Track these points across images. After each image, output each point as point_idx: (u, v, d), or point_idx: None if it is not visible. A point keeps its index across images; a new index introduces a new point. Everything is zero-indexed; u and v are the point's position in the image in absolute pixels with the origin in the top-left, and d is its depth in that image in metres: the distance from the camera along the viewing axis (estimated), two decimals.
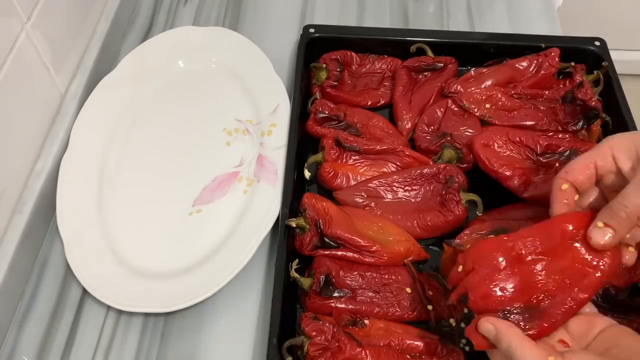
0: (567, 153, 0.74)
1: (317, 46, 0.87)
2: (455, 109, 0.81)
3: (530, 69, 0.83)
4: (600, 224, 0.51)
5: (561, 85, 0.83)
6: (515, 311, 0.52)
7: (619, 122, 0.78)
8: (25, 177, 0.74)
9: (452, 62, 0.85)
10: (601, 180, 0.55)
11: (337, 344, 0.60)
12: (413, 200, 0.74)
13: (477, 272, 0.54)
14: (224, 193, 0.77)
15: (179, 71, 0.90)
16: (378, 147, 0.76)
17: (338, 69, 0.85)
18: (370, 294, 0.67)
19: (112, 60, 0.93)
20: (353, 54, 0.87)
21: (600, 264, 0.52)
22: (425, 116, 0.81)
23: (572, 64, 0.83)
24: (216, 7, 1.01)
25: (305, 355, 0.61)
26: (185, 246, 0.73)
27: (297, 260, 0.67)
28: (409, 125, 0.82)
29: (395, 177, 0.75)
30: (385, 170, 0.76)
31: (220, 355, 0.67)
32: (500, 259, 0.54)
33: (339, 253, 0.68)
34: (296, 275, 0.66)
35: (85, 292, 0.71)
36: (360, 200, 0.74)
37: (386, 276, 0.68)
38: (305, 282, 0.66)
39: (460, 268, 0.55)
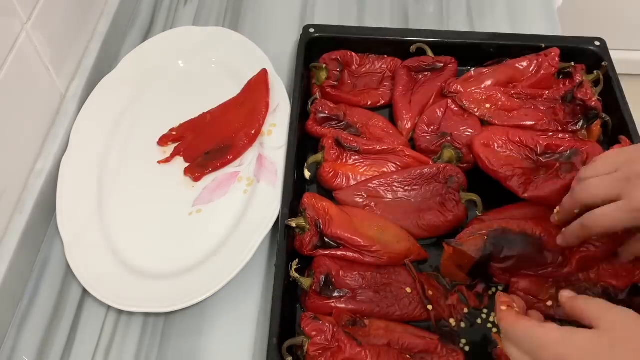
0: (567, 153, 0.74)
1: (317, 46, 0.87)
2: (455, 109, 0.81)
3: (530, 69, 0.83)
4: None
5: (561, 85, 0.83)
6: None
7: (619, 122, 0.78)
8: (25, 177, 0.74)
9: (452, 62, 0.85)
10: None
11: (337, 344, 0.60)
12: (413, 200, 0.74)
13: None
14: (224, 193, 0.77)
15: (179, 71, 0.90)
16: (378, 147, 0.76)
17: (338, 69, 0.85)
18: (370, 294, 0.67)
19: (112, 60, 0.93)
20: (353, 54, 0.87)
21: None
22: (425, 116, 0.81)
23: (572, 64, 0.83)
24: (216, 7, 1.01)
25: (305, 355, 0.61)
26: (185, 246, 0.73)
27: (297, 260, 0.67)
28: (409, 125, 0.82)
29: (395, 177, 0.75)
30: (385, 170, 0.76)
31: (220, 355, 0.67)
32: None
33: (339, 253, 0.68)
34: (296, 275, 0.66)
35: (85, 292, 0.71)
36: (360, 200, 0.74)
37: (386, 276, 0.68)
38: (305, 282, 0.66)
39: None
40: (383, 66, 0.88)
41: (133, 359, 0.67)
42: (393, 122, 0.83)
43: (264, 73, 0.84)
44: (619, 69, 0.83)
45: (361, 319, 0.64)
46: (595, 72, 0.82)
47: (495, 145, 0.76)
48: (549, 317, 0.62)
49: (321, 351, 0.60)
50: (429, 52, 0.86)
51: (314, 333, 0.60)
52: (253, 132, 0.80)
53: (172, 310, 0.67)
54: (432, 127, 0.80)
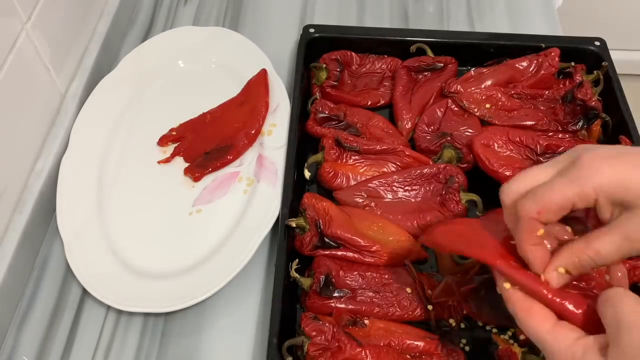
0: None
1: (317, 46, 0.87)
2: (455, 109, 0.81)
3: (530, 69, 0.83)
4: (561, 270, 0.46)
5: (561, 85, 0.83)
6: None
7: (618, 122, 0.78)
8: (25, 177, 0.74)
9: (452, 62, 0.85)
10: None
11: (337, 344, 0.60)
12: (413, 200, 0.74)
13: None
14: (224, 193, 0.77)
15: (179, 71, 0.90)
16: (378, 147, 0.76)
17: (338, 69, 0.85)
18: (370, 294, 0.67)
19: (112, 60, 0.93)
20: (353, 54, 0.87)
21: None
22: (425, 116, 0.81)
23: (572, 64, 0.83)
24: (216, 7, 1.01)
25: (305, 355, 0.61)
26: (185, 246, 0.73)
27: (297, 260, 0.67)
28: (409, 125, 0.82)
29: (395, 177, 0.75)
30: (385, 170, 0.76)
31: (220, 355, 0.67)
32: None
33: (339, 253, 0.68)
34: (296, 275, 0.66)
35: (85, 292, 0.71)
36: (360, 200, 0.74)
37: (386, 276, 0.68)
38: (305, 282, 0.66)
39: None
40: (383, 66, 0.88)
41: (133, 359, 0.67)
42: (393, 122, 0.83)
43: (263, 73, 0.84)
44: (619, 69, 0.83)
45: (361, 319, 0.64)
46: (595, 72, 0.82)
47: (495, 145, 0.76)
48: None
49: (321, 351, 0.60)
50: (429, 52, 0.86)
51: (314, 333, 0.60)
52: (253, 132, 0.80)
53: (172, 310, 0.67)
54: (432, 127, 0.80)
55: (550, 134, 0.77)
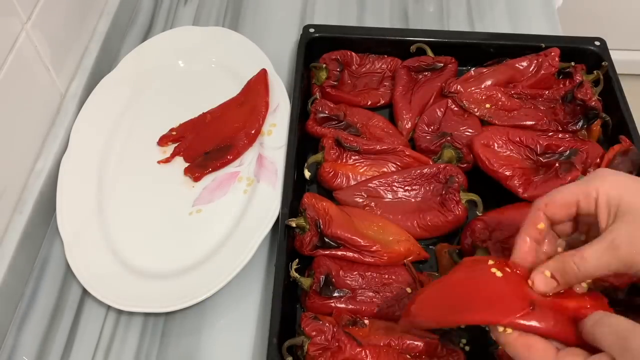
0: (567, 153, 0.74)
1: (317, 46, 0.87)
2: (455, 109, 0.81)
3: (530, 69, 0.83)
4: (547, 273, 0.48)
5: (561, 85, 0.83)
6: None
7: (619, 122, 0.78)
8: (25, 177, 0.74)
9: (452, 62, 0.85)
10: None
11: (337, 344, 0.60)
12: (413, 200, 0.74)
13: None
14: (224, 193, 0.77)
15: (179, 71, 0.90)
16: (378, 147, 0.76)
17: (338, 69, 0.85)
18: (370, 294, 0.67)
19: (112, 60, 0.93)
20: (353, 53, 0.87)
21: None
22: (425, 116, 0.81)
23: (572, 64, 0.83)
24: (216, 7, 1.01)
25: (305, 355, 0.61)
26: (185, 246, 0.73)
27: (297, 260, 0.67)
28: (409, 125, 0.82)
29: (395, 177, 0.75)
30: (385, 170, 0.76)
31: (220, 355, 0.67)
32: None
33: (339, 253, 0.68)
34: (296, 275, 0.66)
35: (85, 292, 0.71)
36: (360, 200, 0.74)
37: (386, 276, 0.68)
38: (305, 282, 0.66)
39: None
40: (383, 66, 0.88)
41: (133, 359, 0.67)
42: (393, 122, 0.83)
43: (263, 73, 0.84)
44: (619, 69, 0.83)
45: (361, 319, 0.64)
46: (595, 72, 0.82)
47: (495, 145, 0.76)
48: None
49: (321, 351, 0.60)
50: (429, 52, 0.86)
51: (314, 333, 0.60)
52: (253, 132, 0.80)
53: (172, 310, 0.67)
54: (432, 127, 0.80)
55: (550, 134, 0.77)
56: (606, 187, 0.48)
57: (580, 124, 0.77)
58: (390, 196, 0.74)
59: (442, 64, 0.85)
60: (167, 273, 0.71)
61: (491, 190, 0.74)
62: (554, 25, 0.97)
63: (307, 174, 0.76)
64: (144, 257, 0.72)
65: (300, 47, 0.86)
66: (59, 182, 0.77)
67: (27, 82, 0.74)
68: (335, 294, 0.66)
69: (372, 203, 0.74)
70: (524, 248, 0.50)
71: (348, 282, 0.67)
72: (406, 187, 0.74)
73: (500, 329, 0.47)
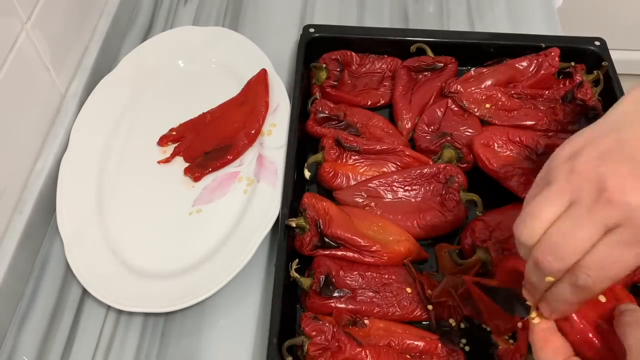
0: None
1: (317, 46, 0.87)
2: (455, 108, 0.81)
3: (530, 69, 0.83)
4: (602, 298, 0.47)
5: (561, 85, 0.83)
6: None
7: None
8: (25, 177, 0.74)
9: (452, 62, 0.85)
10: None
11: (337, 344, 0.60)
12: (413, 200, 0.74)
13: None
14: (224, 193, 0.77)
15: (179, 71, 0.90)
16: (378, 147, 0.76)
17: (338, 69, 0.85)
18: (370, 294, 0.67)
19: (112, 60, 0.93)
20: (353, 53, 0.87)
21: None
22: (425, 116, 0.81)
23: (572, 64, 0.83)
24: (216, 7, 1.01)
25: (305, 355, 0.61)
26: (185, 246, 0.73)
27: (297, 260, 0.67)
28: (409, 125, 0.82)
29: (395, 177, 0.75)
30: (385, 170, 0.76)
31: (220, 355, 0.67)
32: None
33: (339, 253, 0.68)
34: (296, 275, 0.66)
35: (85, 292, 0.71)
36: (360, 200, 0.74)
37: (386, 276, 0.68)
38: (305, 282, 0.66)
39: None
40: (383, 66, 0.88)
41: (133, 359, 0.67)
42: (393, 122, 0.83)
43: (263, 73, 0.84)
44: (619, 69, 0.83)
45: (361, 319, 0.64)
46: (595, 72, 0.82)
47: (495, 145, 0.76)
48: None
49: (321, 351, 0.60)
50: (429, 52, 0.86)
51: (314, 333, 0.60)
52: (253, 132, 0.80)
53: (172, 310, 0.67)
54: (432, 127, 0.80)
55: (550, 134, 0.78)
56: None
57: (580, 124, 0.77)
58: (390, 196, 0.74)
59: (442, 64, 0.85)
60: (167, 273, 0.71)
61: (491, 190, 0.74)
62: (554, 25, 0.97)
63: (307, 174, 0.76)
64: (144, 257, 0.72)
65: (300, 47, 0.86)
66: (59, 182, 0.77)
67: (27, 82, 0.74)
68: (335, 294, 0.66)
69: (372, 203, 0.74)
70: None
71: (348, 282, 0.67)
72: (406, 187, 0.74)
73: (536, 320, 0.47)
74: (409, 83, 0.85)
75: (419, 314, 0.66)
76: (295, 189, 0.73)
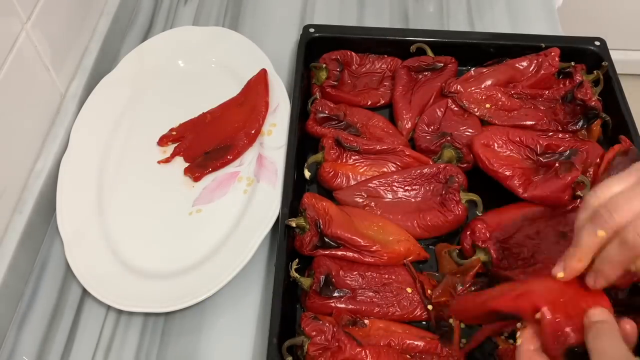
0: (567, 153, 0.74)
1: (317, 46, 0.87)
2: (455, 108, 0.81)
3: (530, 69, 0.83)
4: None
5: (561, 85, 0.83)
6: None
7: (618, 122, 0.78)
8: (25, 177, 0.74)
9: (452, 62, 0.85)
10: None
11: (337, 344, 0.60)
12: (413, 200, 0.74)
13: None
14: (224, 193, 0.77)
15: (179, 71, 0.90)
16: (378, 147, 0.76)
17: (338, 69, 0.85)
18: (370, 293, 0.67)
19: (112, 60, 0.93)
20: (353, 53, 0.87)
21: None
22: (425, 116, 0.81)
23: (572, 63, 0.83)
24: (216, 7, 1.01)
25: (305, 355, 0.61)
26: (185, 246, 0.73)
27: (297, 260, 0.67)
28: (409, 125, 0.82)
29: (395, 177, 0.75)
30: (385, 170, 0.76)
31: (220, 355, 0.67)
32: None
33: (339, 253, 0.68)
34: (296, 275, 0.66)
35: (85, 292, 0.71)
36: (360, 200, 0.74)
37: (386, 276, 0.68)
38: (305, 282, 0.66)
39: None
40: (383, 66, 0.88)
41: (133, 359, 0.67)
42: (393, 122, 0.83)
43: (263, 73, 0.84)
44: (619, 69, 0.83)
45: (361, 319, 0.64)
46: (595, 72, 0.82)
47: (495, 145, 0.76)
48: None
49: (321, 351, 0.60)
50: (429, 52, 0.86)
51: (314, 333, 0.60)
52: (253, 132, 0.80)
53: (172, 310, 0.67)
54: (432, 127, 0.80)
55: (550, 133, 0.78)
56: None
57: (580, 124, 0.77)
58: (390, 196, 0.74)
59: (442, 64, 0.85)
60: (167, 273, 0.71)
61: (491, 190, 0.74)
62: (554, 25, 0.97)
63: (307, 174, 0.76)
64: (144, 257, 0.72)
65: (300, 47, 0.86)
66: (59, 182, 0.77)
67: (27, 82, 0.74)
68: (335, 294, 0.66)
69: (372, 203, 0.74)
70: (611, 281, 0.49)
71: (348, 282, 0.67)
72: (406, 187, 0.74)
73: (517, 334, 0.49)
74: (409, 83, 0.85)
75: (419, 314, 0.66)
76: (295, 189, 0.73)
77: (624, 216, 0.46)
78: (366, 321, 0.64)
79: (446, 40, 0.87)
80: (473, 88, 0.81)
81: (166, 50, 0.90)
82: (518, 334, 0.49)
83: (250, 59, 0.87)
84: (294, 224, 0.69)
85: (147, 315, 0.70)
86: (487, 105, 0.80)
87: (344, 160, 0.77)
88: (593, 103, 0.77)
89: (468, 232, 0.70)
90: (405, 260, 0.69)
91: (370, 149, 0.76)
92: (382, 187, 0.74)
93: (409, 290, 0.67)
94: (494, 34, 0.90)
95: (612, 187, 0.49)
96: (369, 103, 0.85)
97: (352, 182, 0.75)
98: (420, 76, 0.86)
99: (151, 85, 0.88)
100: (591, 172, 0.74)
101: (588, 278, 0.50)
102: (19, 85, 0.71)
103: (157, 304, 0.67)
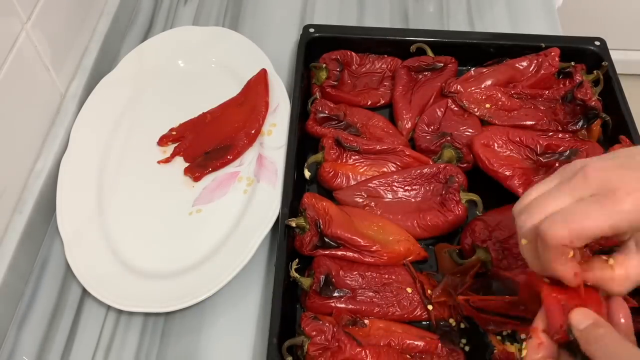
0: (567, 153, 0.74)
1: (317, 46, 0.87)
2: (455, 108, 0.81)
3: (530, 69, 0.83)
4: None
5: (561, 85, 0.83)
6: None
7: (618, 122, 0.78)
8: (25, 177, 0.74)
9: (452, 61, 0.85)
10: None
11: (337, 344, 0.60)
12: (413, 200, 0.74)
13: None
14: (224, 193, 0.77)
15: (179, 71, 0.90)
16: (378, 147, 0.76)
17: (338, 69, 0.85)
18: (370, 293, 0.67)
19: (112, 60, 0.93)
20: (353, 53, 0.87)
21: None
22: (425, 116, 0.81)
23: (572, 63, 0.83)
24: (216, 7, 1.01)
25: (305, 355, 0.61)
26: (185, 246, 0.73)
27: (297, 260, 0.67)
28: (409, 125, 0.82)
29: (395, 176, 0.75)
30: (385, 170, 0.76)
31: (220, 355, 0.67)
32: None
33: (339, 253, 0.68)
34: (296, 275, 0.66)
35: (85, 292, 0.71)
36: (360, 200, 0.74)
37: (386, 276, 0.68)
38: (305, 282, 0.66)
39: None
40: (383, 66, 0.88)
41: (133, 359, 0.67)
42: (393, 122, 0.83)
43: (263, 73, 0.84)
44: (619, 69, 0.83)
45: (361, 319, 0.64)
46: (595, 72, 0.82)
47: (495, 145, 0.76)
48: None
49: (321, 351, 0.60)
50: (429, 52, 0.86)
51: (314, 333, 0.60)
52: (253, 131, 0.80)
53: (172, 310, 0.67)
54: (432, 127, 0.80)
55: (550, 133, 0.77)
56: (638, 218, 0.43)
57: (580, 124, 0.77)
58: (390, 196, 0.74)
59: (442, 64, 0.85)
60: (167, 273, 0.71)
61: (491, 190, 0.74)
62: (554, 25, 0.97)
63: (307, 174, 0.76)
64: (144, 257, 0.72)
65: (300, 47, 0.86)
66: (59, 182, 0.77)
67: (27, 82, 0.74)
68: (335, 294, 0.66)
69: (372, 203, 0.74)
70: (572, 273, 0.46)
71: (348, 282, 0.67)
72: (406, 187, 0.74)
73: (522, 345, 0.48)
74: (409, 83, 0.85)
75: (419, 314, 0.66)
76: (295, 189, 0.73)
77: (536, 218, 0.45)
78: (366, 321, 0.64)
79: (446, 40, 0.87)
80: (473, 88, 0.81)
81: (166, 50, 0.90)
82: (523, 345, 0.48)
83: (250, 59, 0.87)
84: (294, 224, 0.69)
85: (147, 315, 0.70)
86: (487, 105, 0.80)
87: (344, 160, 0.77)
88: (593, 103, 0.77)
89: (468, 232, 0.70)
90: (405, 260, 0.69)
91: (370, 149, 0.76)
92: (382, 187, 0.74)
93: (409, 290, 0.67)
94: (494, 34, 0.90)
95: (532, 194, 0.48)
96: (369, 103, 0.85)
97: (352, 182, 0.75)
98: (420, 76, 0.86)
99: (151, 85, 0.88)
100: None
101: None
102: (19, 85, 0.71)
103: (157, 304, 0.67)
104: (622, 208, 0.43)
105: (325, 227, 0.68)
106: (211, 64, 0.90)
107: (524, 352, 0.48)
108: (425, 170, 0.74)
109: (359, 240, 0.68)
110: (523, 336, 0.50)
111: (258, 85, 0.84)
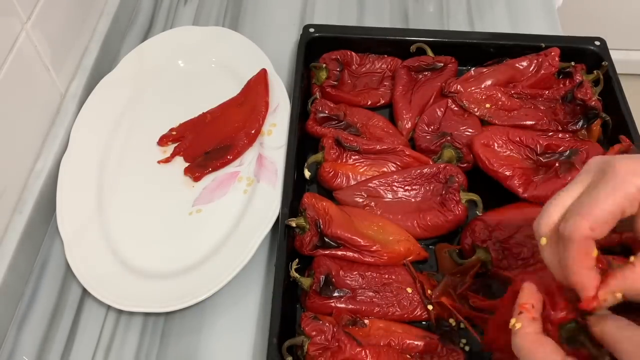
0: (567, 153, 0.74)
1: (317, 46, 0.87)
2: (455, 108, 0.81)
3: (530, 69, 0.83)
4: (619, 295, 0.44)
5: (561, 85, 0.83)
6: None
7: (618, 122, 0.78)
8: (25, 177, 0.74)
9: (452, 61, 0.85)
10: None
11: (337, 344, 0.60)
12: (413, 200, 0.74)
13: None
14: (224, 193, 0.77)
15: (179, 71, 0.90)
16: (378, 147, 0.76)
17: (338, 69, 0.85)
18: (370, 293, 0.67)
19: (112, 60, 0.93)
20: (353, 53, 0.87)
21: None
22: (425, 116, 0.81)
23: (572, 63, 0.83)
24: (216, 7, 1.01)
25: (305, 355, 0.61)
26: (185, 246, 0.73)
27: (297, 260, 0.67)
28: (409, 125, 0.82)
29: (395, 176, 0.75)
30: (385, 170, 0.76)
31: (220, 355, 0.67)
32: None
33: (339, 253, 0.68)
34: (296, 275, 0.66)
35: (85, 292, 0.71)
36: (360, 200, 0.74)
37: (386, 276, 0.68)
38: (305, 282, 0.66)
39: None
40: (383, 66, 0.88)
41: (133, 359, 0.67)
42: (393, 122, 0.83)
43: (263, 73, 0.84)
44: (619, 69, 0.83)
45: (361, 319, 0.64)
46: (595, 72, 0.82)
47: (495, 145, 0.76)
48: None
49: (321, 351, 0.60)
50: (429, 52, 0.86)
51: (314, 333, 0.60)
52: (253, 131, 0.80)
53: (172, 310, 0.67)
54: (432, 127, 0.80)
55: (550, 133, 0.77)
56: None
57: (580, 124, 0.77)
58: (390, 196, 0.74)
59: (442, 64, 0.85)
60: (167, 273, 0.71)
61: (491, 190, 0.74)
62: (554, 25, 0.97)
63: (307, 174, 0.76)
64: (144, 257, 0.72)
65: (300, 47, 0.86)
66: (59, 182, 0.77)
67: (27, 82, 0.74)
68: (335, 294, 0.66)
69: (372, 203, 0.74)
70: (593, 281, 0.43)
71: (348, 282, 0.67)
72: (406, 187, 0.74)
73: (513, 320, 0.47)
74: (409, 83, 0.85)
75: (419, 314, 0.66)
76: (295, 189, 0.73)
77: (552, 215, 0.45)
78: (366, 321, 0.64)
79: (446, 40, 0.87)
80: (473, 88, 0.81)
81: (166, 50, 0.90)
82: (513, 320, 0.46)
83: (250, 59, 0.87)
84: (294, 224, 0.69)
85: (147, 315, 0.70)
86: (487, 105, 0.80)
87: (344, 160, 0.77)
88: (593, 103, 0.77)
89: (468, 232, 0.70)
90: (405, 260, 0.69)
91: (370, 149, 0.76)
92: (382, 187, 0.74)
93: (409, 290, 0.67)
94: (494, 34, 0.90)
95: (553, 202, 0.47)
96: (369, 103, 0.85)
97: (352, 182, 0.75)
98: (420, 76, 0.86)
99: (151, 85, 0.88)
100: None
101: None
102: (19, 85, 0.71)
103: (157, 304, 0.67)
104: (624, 178, 0.42)
105: (325, 227, 0.68)
106: (211, 64, 0.90)
107: (517, 325, 0.46)
108: (425, 170, 0.74)
109: (359, 240, 0.68)
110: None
111: (258, 85, 0.84)
